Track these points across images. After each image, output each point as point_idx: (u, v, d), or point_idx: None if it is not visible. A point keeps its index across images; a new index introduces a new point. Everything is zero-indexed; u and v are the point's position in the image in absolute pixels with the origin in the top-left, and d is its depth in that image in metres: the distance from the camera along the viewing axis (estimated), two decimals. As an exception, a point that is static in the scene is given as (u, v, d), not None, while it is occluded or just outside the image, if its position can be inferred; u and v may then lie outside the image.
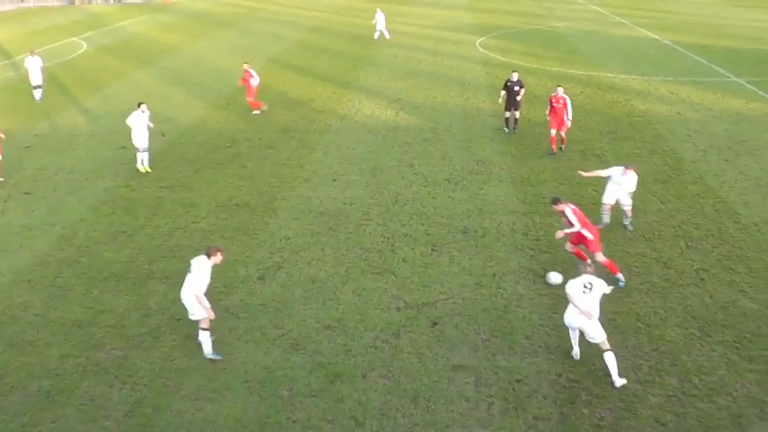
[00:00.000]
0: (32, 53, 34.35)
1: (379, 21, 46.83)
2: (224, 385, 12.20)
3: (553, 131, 23.12)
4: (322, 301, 14.70)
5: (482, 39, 46.01)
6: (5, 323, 14.55)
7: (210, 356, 12.90)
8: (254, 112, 29.13)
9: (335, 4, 66.96)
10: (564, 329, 12.76)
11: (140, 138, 22.73)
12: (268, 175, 22.03)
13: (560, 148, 23.40)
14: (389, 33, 46.87)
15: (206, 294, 12.56)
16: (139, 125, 22.74)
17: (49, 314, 14.74)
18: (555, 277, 14.82)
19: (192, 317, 12.75)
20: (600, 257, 14.94)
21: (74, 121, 29.69)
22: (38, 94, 33.87)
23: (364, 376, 12.35)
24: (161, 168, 22.96)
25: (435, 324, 13.78)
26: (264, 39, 49.31)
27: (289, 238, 17.44)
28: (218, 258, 12.73)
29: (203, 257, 12.67)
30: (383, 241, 17.29)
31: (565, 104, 22.90)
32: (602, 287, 12.14)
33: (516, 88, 24.88)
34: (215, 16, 64.53)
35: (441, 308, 14.33)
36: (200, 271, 12.51)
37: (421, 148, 24.11)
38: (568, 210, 14.91)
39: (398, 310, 14.30)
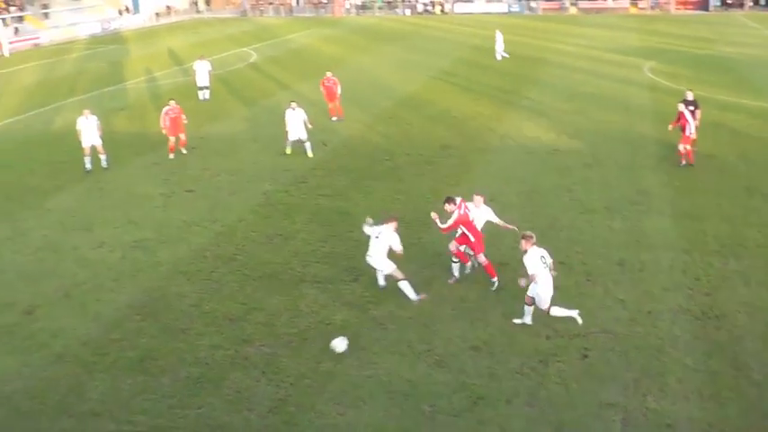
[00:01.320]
0: (202, 57, 37.07)
1: (498, 41, 47.03)
2: (367, 393, 12.50)
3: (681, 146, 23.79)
4: (470, 320, 14.75)
5: (650, 63, 44.71)
6: (161, 310, 15.65)
7: (415, 298, 15.28)
8: (333, 119, 31.31)
9: (504, 22, 67.09)
10: (719, 376, 12.19)
11: (295, 131, 26.02)
12: (425, 190, 22.38)
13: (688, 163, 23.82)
14: (503, 55, 46.81)
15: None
16: (293, 121, 25.99)
17: (202, 305, 15.70)
18: (339, 344, 13.54)
19: (384, 272, 15.54)
20: (481, 258, 16.08)
21: (238, 126, 31.39)
22: (205, 94, 36.62)
23: (508, 401, 12.27)
24: (320, 176, 23.85)
25: (585, 356, 13.50)
26: (428, 55, 50.15)
27: (441, 255, 17.61)
28: (396, 225, 15.44)
29: (387, 225, 15.32)
30: (537, 266, 17.11)
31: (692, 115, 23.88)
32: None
33: (692, 108, 24.26)
34: (381, 32, 66.29)
35: (592, 340, 14.01)
36: (387, 236, 15.20)
37: (580, 174, 23.73)
38: (461, 211, 15.79)
39: (548, 338, 14.12)
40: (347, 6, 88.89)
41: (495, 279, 16.08)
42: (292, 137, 26.23)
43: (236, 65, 49.14)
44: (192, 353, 13.94)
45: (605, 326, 14.47)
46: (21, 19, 74.79)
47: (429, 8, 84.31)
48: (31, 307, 16.18)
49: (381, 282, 16.02)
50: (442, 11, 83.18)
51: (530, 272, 13.94)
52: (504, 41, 47.24)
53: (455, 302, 15.47)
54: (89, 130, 25.47)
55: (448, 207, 15.82)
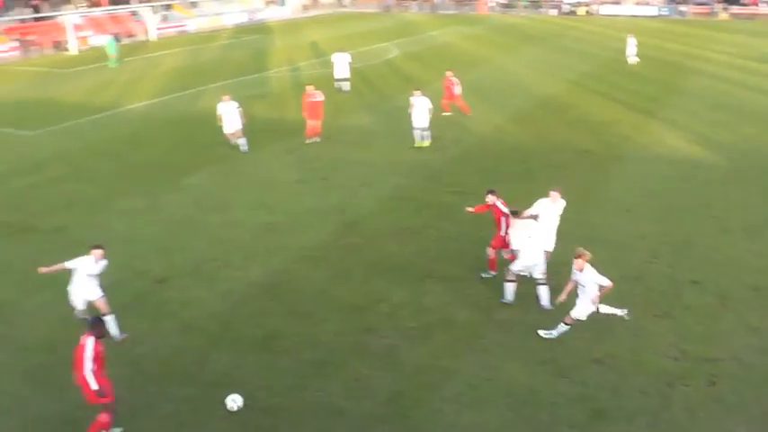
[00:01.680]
0: (341, 50, 37.95)
1: (630, 46, 45.66)
2: (486, 395, 12.43)
3: None
4: (597, 332, 14.39)
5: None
6: (289, 292, 16.13)
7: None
8: (445, 114, 31.42)
9: (649, 26, 64.97)
10: None
11: (420, 119, 26.83)
12: (557, 195, 21.95)
13: None
14: (635, 59, 45.20)
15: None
16: (419, 107, 26.74)
17: (329, 292, 16.05)
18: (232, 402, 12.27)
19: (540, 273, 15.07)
20: (489, 251, 16.55)
21: (376, 119, 31.81)
22: (345, 85, 37.40)
23: (629, 420, 11.92)
24: (453, 174, 23.87)
25: (713, 383, 12.89)
26: (570, 57, 49.19)
27: (568, 264, 17.24)
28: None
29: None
30: (668, 283, 16.52)
31: None
32: None
33: None
34: (524, 31, 65.55)
35: (721, 367, 13.37)
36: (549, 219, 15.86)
37: (720, 190, 22.66)
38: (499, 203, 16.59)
39: (676, 359, 13.60)
40: (491, 4, 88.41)
41: (494, 273, 16.56)
42: (417, 124, 26.93)
43: (376, 59, 49.81)
44: (315, 337, 14.29)
45: (736, 353, 13.79)
46: (169, 7, 78.42)
47: (574, 9, 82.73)
48: (163, 277, 17.07)
49: None
50: (588, 12, 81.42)
51: (590, 291, 13.64)
52: (650, 46, 45.79)
53: (582, 313, 15.13)
54: (230, 115, 26.54)
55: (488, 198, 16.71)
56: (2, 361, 14.06)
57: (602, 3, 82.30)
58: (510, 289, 15.28)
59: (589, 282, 13.61)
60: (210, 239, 19.23)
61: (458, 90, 31.56)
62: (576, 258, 13.64)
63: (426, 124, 26.96)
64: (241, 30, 74.05)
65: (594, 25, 69.98)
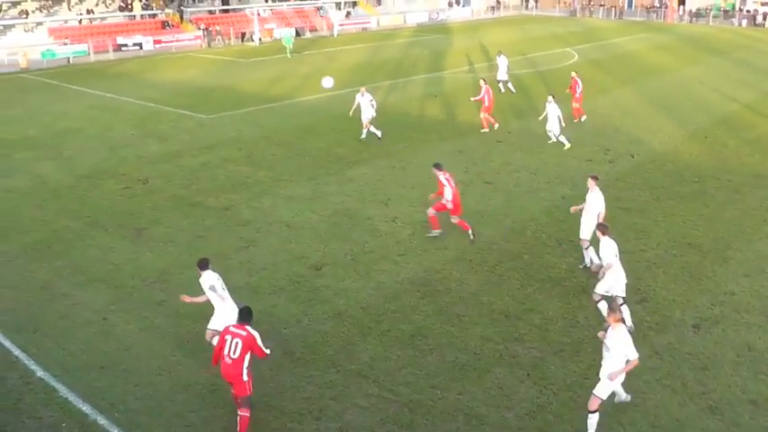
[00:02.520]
0: (500, 54, 38.34)
1: None
2: (630, 421, 11.99)
3: None
4: (754, 371, 13.52)
5: None
6: (440, 292, 16.26)
7: None
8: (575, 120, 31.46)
9: None
10: None
11: (555, 123, 27.86)
12: (728, 220, 20.85)
13: None
14: None
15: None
16: (550, 113, 27.74)
17: (480, 296, 16.04)
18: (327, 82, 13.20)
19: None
20: (454, 219, 18.78)
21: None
22: (504, 86, 38.57)
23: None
24: (622, 189, 23.19)
25: None
26: (758, 72, 46.27)
27: (734, 294, 16.36)
28: None
29: None
30: None
31: None
32: None
33: None
34: (711, 42, 62.51)
35: None
36: None
37: None
38: (443, 177, 18.46)
39: None
40: (680, 13, 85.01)
41: (470, 230, 19.02)
42: (549, 128, 28.02)
43: (556, 64, 49.14)
44: (463, 339, 14.34)
45: None
46: (354, 4, 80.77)
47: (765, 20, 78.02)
48: (320, 264, 17.68)
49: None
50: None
51: (618, 356, 11.21)
52: None
53: (740, 348, 14.26)
54: (365, 106, 28.33)
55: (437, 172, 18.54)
56: (158, 325, 15.11)
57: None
58: (603, 306, 14.76)
59: (614, 345, 11.20)
60: (369, 232, 19.70)
61: (578, 90, 31.80)
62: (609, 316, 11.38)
63: (557, 130, 27.82)
64: (422, 29, 75.19)
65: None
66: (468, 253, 18.27)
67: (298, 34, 68.43)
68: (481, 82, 30.13)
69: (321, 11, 74.32)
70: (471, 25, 79.49)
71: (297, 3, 73.81)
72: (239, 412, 11.37)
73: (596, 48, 58.13)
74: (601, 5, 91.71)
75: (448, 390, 12.76)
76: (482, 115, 30.43)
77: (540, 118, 28.59)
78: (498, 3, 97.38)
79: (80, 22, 61.86)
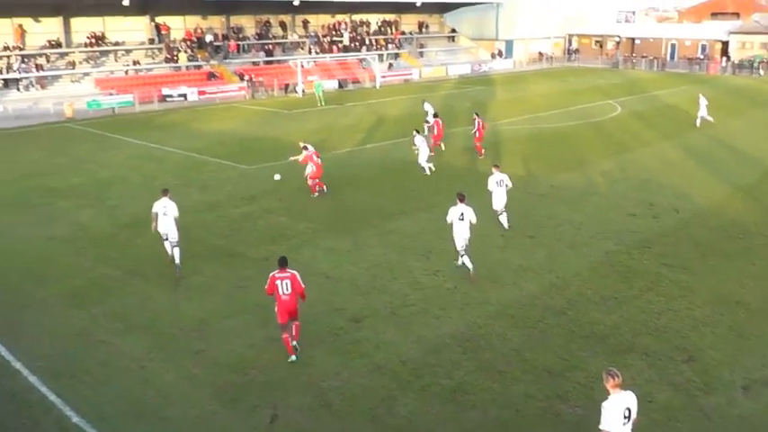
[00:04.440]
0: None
1: (702, 106, 44.09)
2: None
3: None
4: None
5: None
6: (482, 347, 16.12)
7: None
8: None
9: None
10: None
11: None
12: (778, 278, 20.50)
13: None
14: (707, 118, 40.29)
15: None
16: None
17: (524, 352, 15.86)
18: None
19: None
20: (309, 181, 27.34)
21: (590, 179, 31.27)
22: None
23: None
24: (667, 244, 22.93)
25: None
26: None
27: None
28: None
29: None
30: None
31: None
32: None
33: None
34: (757, 94, 62.04)
35: None
36: None
37: None
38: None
39: None
40: (723, 64, 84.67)
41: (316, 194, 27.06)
42: None
43: (598, 116, 49.15)
44: (505, 396, 14.16)
45: None
46: (397, 56, 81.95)
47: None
48: (359, 316, 17.67)
49: None
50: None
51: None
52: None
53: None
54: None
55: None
56: (197, 375, 15.15)
57: None
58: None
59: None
60: (410, 284, 19.68)
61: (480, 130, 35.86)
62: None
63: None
64: (464, 80, 75.90)
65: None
66: (510, 308, 18.13)
67: (340, 86, 69.52)
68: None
69: (364, 63, 75.43)
70: (514, 77, 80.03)
71: (340, 55, 75.07)
72: (295, 324, 15.53)
73: (639, 100, 58.07)
74: (643, 57, 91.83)
75: (489, 448, 12.59)
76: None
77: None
78: (540, 54, 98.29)
79: (126, 72, 63.51)
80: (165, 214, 20.83)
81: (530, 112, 51.17)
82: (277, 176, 30.07)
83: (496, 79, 76.96)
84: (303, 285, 15.41)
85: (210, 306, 18.58)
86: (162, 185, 30.90)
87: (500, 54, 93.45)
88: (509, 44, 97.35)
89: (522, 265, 21.05)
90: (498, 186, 23.87)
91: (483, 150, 36.03)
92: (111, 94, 58.03)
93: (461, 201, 20.04)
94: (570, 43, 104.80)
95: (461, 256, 20.19)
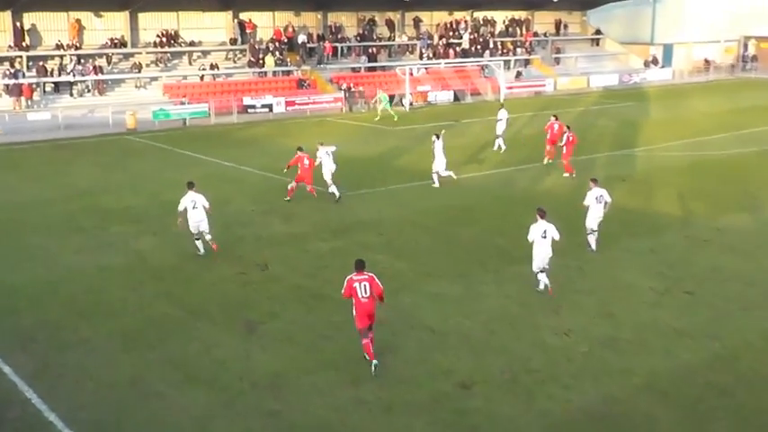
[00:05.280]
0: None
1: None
2: None
3: None
4: None
5: None
6: (623, 428, 15.72)
7: None
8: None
9: None
10: None
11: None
12: None
13: None
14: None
15: None
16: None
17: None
18: None
19: None
20: (292, 184, 32.97)
21: (766, 222, 30.23)
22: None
23: None
24: None
25: None
26: None
27: None
28: None
29: None
30: None
31: None
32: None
33: None
34: None
35: None
36: None
37: None
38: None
39: None
40: None
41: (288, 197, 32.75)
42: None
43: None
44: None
45: None
46: (527, 63, 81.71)
47: None
48: (470, 381, 17.45)
49: None
50: None
51: None
52: None
53: None
54: (325, 162, 34.06)
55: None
56: (270, 441, 15.23)
57: None
58: None
59: None
60: (534, 345, 19.35)
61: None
62: None
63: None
64: (610, 94, 75.23)
65: None
66: (660, 381, 17.55)
67: (456, 98, 69.71)
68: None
69: (486, 71, 75.51)
70: (672, 90, 78.84)
71: (458, 61, 75.26)
72: (371, 336, 17.89)
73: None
74: None
75: None
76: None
77: None
78: (707, 62, 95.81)
79: (202, 78, 65.48)
80: (195, 207, 24.78)
81: (691, 136, 50.10)
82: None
83: (650, 93, 75.86)
84: (382, 287, 17.95)
85: (288, 358, 18.70)
86: (238, 210, 31.88)
87: (655, 62, 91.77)
88: (667, 49, 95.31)
89: (677, 328, 20.43)
90: (597, 203, 25.68)
91: (573, 169, 37.75)
92: (182, 103, 60.03)
93: (542, 217, 22.55)
94: (746, 48, 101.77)
95: (539, 275, 22.52)
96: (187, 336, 20.00)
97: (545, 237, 22.26)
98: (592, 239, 26.31)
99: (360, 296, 17.62)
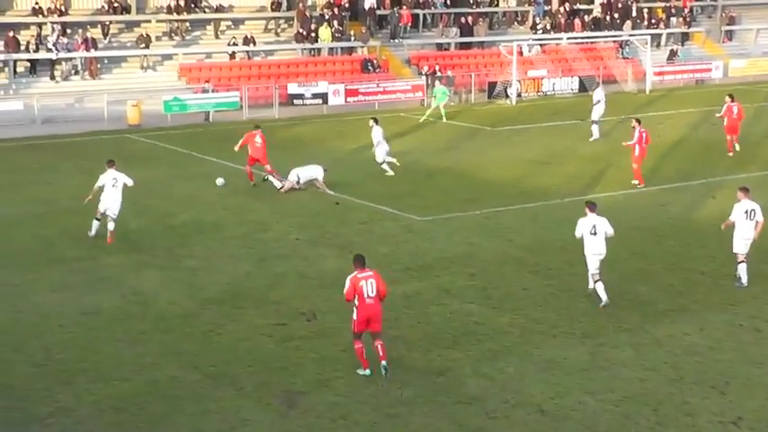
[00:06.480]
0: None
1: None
2: None
3: None
4: None
5: None
6: None
7: None
8: None
9: None
10: None
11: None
12: None
13: None
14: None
15: None
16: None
17: None
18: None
19: None
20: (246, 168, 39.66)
21: None
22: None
23: None
24: None
25: None
26: None
27: None
28: None
29: None
30: None
31: None
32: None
33: None
34: None
35: None
36: None
37: None
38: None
39: None
40: None
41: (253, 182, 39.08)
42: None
43: None
44: None
45: None
46: (684, 39, 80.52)
47: None
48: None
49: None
50: None
51: None
52: None
53: None
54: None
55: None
56: None
57: None
58: None
59: None
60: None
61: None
62: None
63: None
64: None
65: None
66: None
67: (584, 88, 68.52)
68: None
69: (625, 49, 74.92)
70: None
71: (585, 35, 74.67)
72: (379, 342, 20.76)
73: None
74: None
75: None
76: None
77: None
78: None
79: (232, 56, 65.41)
80: (115, 186, 29.96)
81: None
82: (220, 180, 36.07)
83: None
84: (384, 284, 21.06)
85: (342, 441, 18.70)
86: (277, 238, 32.18)
87: None
88: None
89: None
90: (748, 219, 26.41)
91: (642, 177, 40.04)
92: (204, 91, 59.87)
93: (592, 210, 25.58)
94: None
95: (595, 281, 25.41)
96: (203, 409, 19.97)
97: (594, 233, 25.27)
98: (742, 270, 26.69)
99: (365, 296, 20.43)
